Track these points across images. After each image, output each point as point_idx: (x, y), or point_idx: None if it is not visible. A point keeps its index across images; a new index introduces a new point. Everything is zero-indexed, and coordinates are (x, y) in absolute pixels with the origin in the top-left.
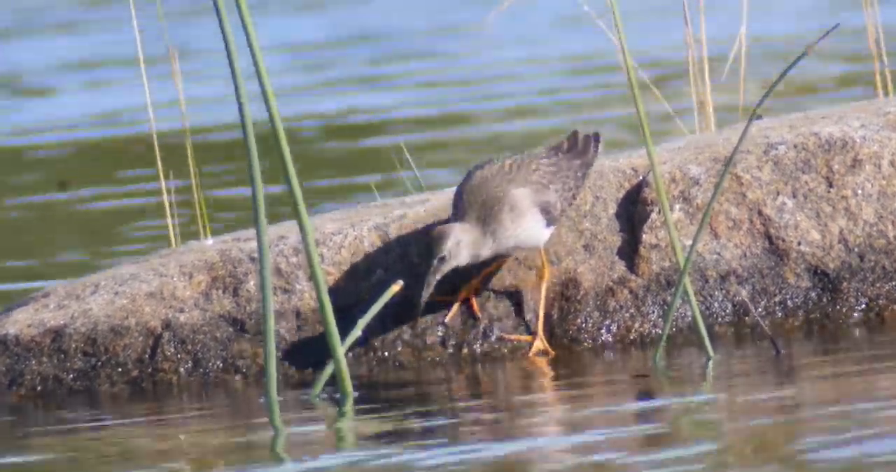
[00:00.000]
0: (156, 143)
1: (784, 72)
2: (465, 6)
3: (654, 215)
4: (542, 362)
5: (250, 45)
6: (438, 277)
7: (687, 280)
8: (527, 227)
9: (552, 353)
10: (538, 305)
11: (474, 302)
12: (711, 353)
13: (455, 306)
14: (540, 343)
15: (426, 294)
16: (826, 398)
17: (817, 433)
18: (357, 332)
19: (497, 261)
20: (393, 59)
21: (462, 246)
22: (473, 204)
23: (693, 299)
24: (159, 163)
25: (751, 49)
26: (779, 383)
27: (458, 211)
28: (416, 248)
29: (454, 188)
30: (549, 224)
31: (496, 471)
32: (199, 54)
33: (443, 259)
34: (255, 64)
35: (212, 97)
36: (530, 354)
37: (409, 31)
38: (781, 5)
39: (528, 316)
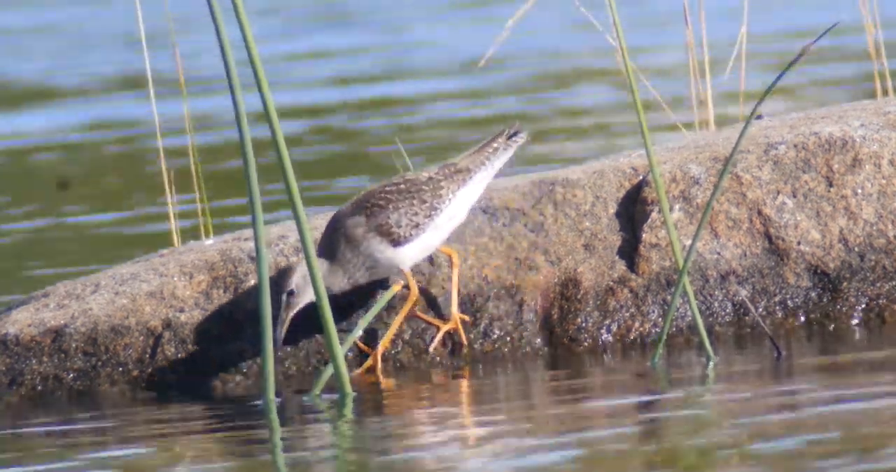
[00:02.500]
0: (161, 145)
1: (783, 71)
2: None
3: (654, 215)
4: (542, 363)
5: (248, 47)
6: (293, 312)
7: (686, 280)
8: (369, 253)
9: (465, 341)
10: (451, 295)
11: (378, 362)
12: (712, 355)
13: (369, 361)
14: (452, 324)
15: (281, 331)
16: (826, 399)
17: (817, 434)
18: (357, 332)
19: (402, 312)
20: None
21: (310, 280)
22: (325, 237)
23: (693, 301)
24: (163, 162)
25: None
26: (778, 385)
27: (319, 244)
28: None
29: None
30: (397, 244)
31: (495, 470)
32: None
33: (291, 294)
34: (254, 70)
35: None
36: (432, 345)
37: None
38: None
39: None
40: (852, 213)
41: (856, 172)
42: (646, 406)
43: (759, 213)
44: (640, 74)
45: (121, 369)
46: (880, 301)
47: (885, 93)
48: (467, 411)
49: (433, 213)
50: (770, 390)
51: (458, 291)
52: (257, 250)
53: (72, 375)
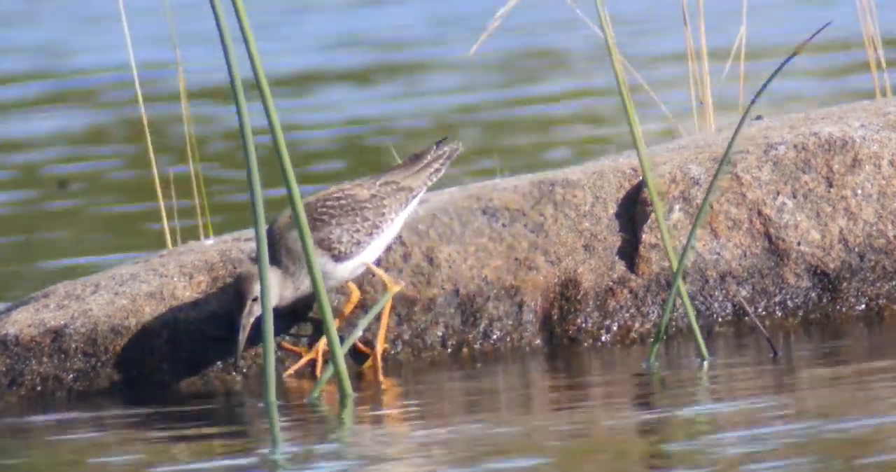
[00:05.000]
0: (149, 139)
1: (776, 70)
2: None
3: (654, 215)
4: (542, 363)
5: (248, 47)
6: (252, 319)
7: (680, 282)
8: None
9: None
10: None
11: (319, 363)
12: (706, 354)
13: (302, 362)
14: (378, 354)
15: (243, 337)
16: (825, 399)
17: (815, 436)
18: (358, 332)
19: (338, 317)
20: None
21: (272, 287)
22: (272, 246)
23: (687, 300)
24: (153, 160)
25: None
26: (776, 385)
27: (270, 253)
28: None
29: (453, 189)
30: (338, 259)
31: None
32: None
33: (256, 301)
34: (254, 69)
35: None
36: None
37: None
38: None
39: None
40: (852, 213)
41: (856, 172)
42: (640, 406)
43: (759, 213)
44: (632, 70)
45: (120, 369)
46: (880, 301)
47: (884, 94)
48: (467, 412)
49: (375, 231)
50: (765, 389)
51: (386, 325)
52: (258, 250)
53: (72, 375)
